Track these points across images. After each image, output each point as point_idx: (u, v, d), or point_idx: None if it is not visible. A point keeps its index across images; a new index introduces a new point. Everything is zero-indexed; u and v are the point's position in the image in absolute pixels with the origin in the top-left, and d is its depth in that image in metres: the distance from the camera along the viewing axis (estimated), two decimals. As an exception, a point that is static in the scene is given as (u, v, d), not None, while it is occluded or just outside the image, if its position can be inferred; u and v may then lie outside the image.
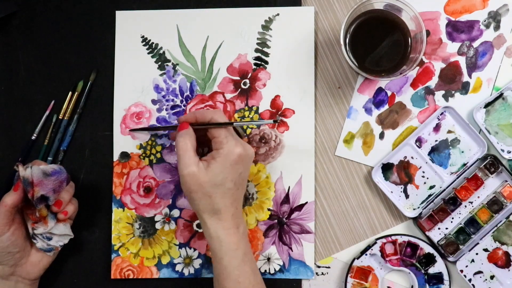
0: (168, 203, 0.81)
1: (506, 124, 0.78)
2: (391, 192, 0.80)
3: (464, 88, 0.79)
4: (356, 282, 0.79)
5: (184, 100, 0.82)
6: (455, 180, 0.78)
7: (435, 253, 0.78)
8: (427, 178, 0.79)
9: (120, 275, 0.81)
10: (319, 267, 0.80)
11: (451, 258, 0.78)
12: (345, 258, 0.80)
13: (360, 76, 0.80)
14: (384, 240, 0.79)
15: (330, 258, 0.80)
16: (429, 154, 0.79)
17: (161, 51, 0.82)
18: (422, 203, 0.79)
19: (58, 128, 0.82)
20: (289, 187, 0.80)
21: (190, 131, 0.71)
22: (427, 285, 0.78)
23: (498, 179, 0.79)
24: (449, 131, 0.79)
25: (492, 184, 0.79)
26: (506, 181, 0.78)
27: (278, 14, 0.81)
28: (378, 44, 0.75)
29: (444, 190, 0.78)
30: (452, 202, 0.78)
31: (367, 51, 0.75)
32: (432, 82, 0.80)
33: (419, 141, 0.79)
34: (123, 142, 0.81)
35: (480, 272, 0.78)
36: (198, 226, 0.81)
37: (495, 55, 0.79)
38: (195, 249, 0.81)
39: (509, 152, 0.78)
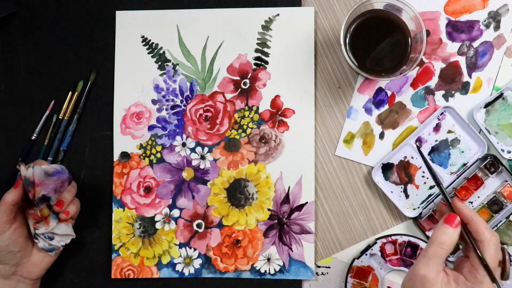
0: (168, 203, 0.81)
1: (506, 124, 0.78)
2: (391, 192, 0.80)
3: (464, 88, 0.79)
4: (356, 282, 0.79)
5: (184, 100, 0.82)
6: (455, 180, 0.78)
7: (435, 253, 0.78)
8: (427, 178, 0.79)
9: (120, 275, 0.81)
10: (319, 267, 0.80)
11: (451, 258, 0.78)
12: (345, 258, 0.80)
13: (360, 76, 0.80)
14: (384, 240, 0.79)
15: (330, 258, 0.80)
16: (429, 154, 0.79)
17: (161, 51, 0.82)
18: (422, 203, 0.79)
19: (58, 128, 0.82)
20: (289, 187, 0.80)
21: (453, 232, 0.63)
22: (427, 285, 0.79)
23: (498, 179, 0.79)
24: (449, 131, 0.79)
25: (492, 184, 0.79)
26: (506, 181, 0.78)
27: (278, 14, 0.81)
28: (378, 44, 0.75)
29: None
30: (452, 202, 0.79)
31: (367, 51, 0.75)
32: (432, 82, 0.80)
33: (419, 141, 0.79)
34: (123, 142, 0.81)
35: (480, 272, 0.78)
36: (198, 226, 0.81)
37: (495, 55, 0.79)
38: (195, 249, 0.81)
39: (509, 152, 0.78)
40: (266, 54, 0.81)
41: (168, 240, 0.81)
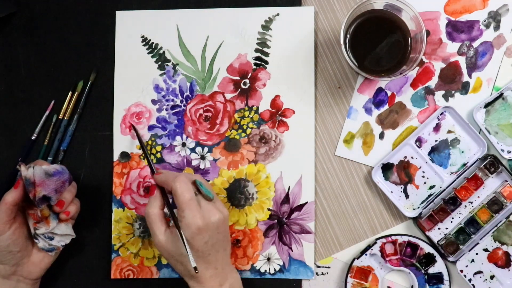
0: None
1: (506, 124, 0.78)
2: (391, 192, 0.80)
3: (464, 88, 0.79)
4: (356, 282, 0.79)
5: (184, 100, 0.82)
6: (455, 180, 0.78)
7: (435, 253, 0.78)
8: (427, 178, 0.79)
9: (120, 275, 0.81)
10: (319, 267, 0.80)
11: (451, 258, 0.78)
12: (345, 258, 0.80)
13: (360, 76, 0.80)
14: (384, 240, 0.79)
15: (330, 258, 0.80)
16: (429, 154, 0.79)
17: (161, 51, 0.82)
18: (422, 203, 0.79)
19: (58, 128, 0.82)
20: (289, 187, 0.80)
21: (157, 195, 0.72)
22: (427, 285, 0.78)
23: (498, 179, 0.79)
24: (449, 131, 0.79)
25: (492, 184, 0.79)
26: (506, 181, 0.78)
27: (278, 14, 0.81)
28: (378, 44, 0.75)
29: (444, 190, 0.78)
30: (452, 202, 0.78)
31: (367, 51, 0.75)
32: (432, 82, 0.80)
33: (419, 141, 0.79)
34: (123, 142, 0.81)
35: (480, 272, 0.78)
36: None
37: (495, 55, 0.79)
38: (195, 249, 0.81)
39: (509, 152, 0.78)
40: (266, 54, 0.81)
41: (168, 240, 0.81)
